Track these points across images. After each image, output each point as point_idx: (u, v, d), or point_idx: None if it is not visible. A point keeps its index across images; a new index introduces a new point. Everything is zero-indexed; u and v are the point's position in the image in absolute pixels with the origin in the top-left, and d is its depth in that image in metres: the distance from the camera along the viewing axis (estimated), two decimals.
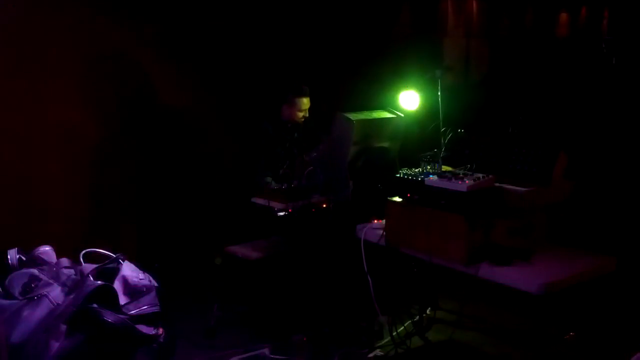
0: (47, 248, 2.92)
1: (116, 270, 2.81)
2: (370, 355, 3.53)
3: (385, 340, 3.61)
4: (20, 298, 2.63)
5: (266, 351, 3.53)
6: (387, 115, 3.72)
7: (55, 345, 2.50)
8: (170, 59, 4.63)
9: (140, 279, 2.82)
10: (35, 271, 2.73)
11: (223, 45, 4.85)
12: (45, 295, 2.63)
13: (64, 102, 4.16)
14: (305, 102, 4.24)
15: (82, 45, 4.20)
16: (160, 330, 2.76)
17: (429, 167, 3.07)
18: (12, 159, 3.97)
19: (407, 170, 3.11)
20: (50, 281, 2.70)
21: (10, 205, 3.95)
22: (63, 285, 2.70)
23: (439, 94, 3.43)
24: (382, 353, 3.53)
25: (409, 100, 3.62)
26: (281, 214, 3.73)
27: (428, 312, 3.90)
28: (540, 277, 2.60)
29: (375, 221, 3.32)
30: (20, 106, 3.99)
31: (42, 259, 2.86)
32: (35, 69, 4.03)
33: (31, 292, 2.65)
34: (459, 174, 2.89)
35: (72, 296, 2.62)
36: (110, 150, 4.39)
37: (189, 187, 4.77)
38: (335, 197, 3.66)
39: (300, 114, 4.26)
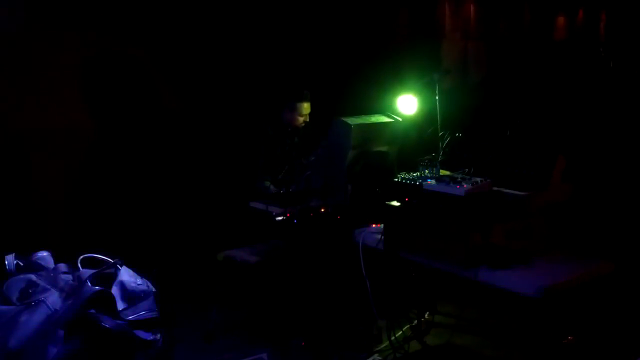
0: (44, 253, 2.91)
1: (114, 276, 2.81)
2: (369, 359, 3.53)
3: (384, 345, 3.60)
4: (18, 304, 2.62)
5: (264, 356, 3.52)
6: (385, 119, 3.72)
7: (53, 350, 2.49)
8: (171, 61, 4.64)
9: (138, 284, 2.81)
10: (32, 276, 2.72)
11: (223, 48, 4.86)
12: (43, 301, 2.62)
13: (64, 102, 4.17)
14: (306, 106, 4.24)
15: (82, 45, 4.21)
16: (159, 336, 2.75)
17: (427, 172, 3.07)
18: (10, 163, 3.97)
19: (405, 174, 3.11)
20: (48, 287, 2.69)
21: (7, 210, 3.94)
22: (61, 290, 2.69)
23: (437, 97, 3.43)
24: (380, 357, 3.53)
25: (407, 104, 3.62)
26: (279, 218, 3.72)
27: (426, 316, 3.90)
28: (539, 281, 2.59)
29: (374, 225, 3.32)
30: (20, 107, 3.99)
31: (40, 265, 2.85)
32: (35, 70, 4.03)
33: (29, 297, 2.64)
34: (457, 178, 2.89)
35: (69, 302, 2.62)
36: (108, 154, 4.39)
37: (187, 191, 4.77)
38: (333, 201, 3.66)
39: (301, 119, 4.26)
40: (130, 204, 4.53)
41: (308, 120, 4.29)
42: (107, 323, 2.59)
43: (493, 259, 2.75)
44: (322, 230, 3.66)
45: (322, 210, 3.71)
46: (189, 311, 4.02)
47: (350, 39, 5.40)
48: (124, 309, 2.70)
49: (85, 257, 2.92)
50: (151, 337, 2.73)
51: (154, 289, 2.87)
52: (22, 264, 2.85)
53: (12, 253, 2.86)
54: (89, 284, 2.70)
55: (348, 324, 3.69)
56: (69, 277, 2.80)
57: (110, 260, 2.90)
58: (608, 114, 5.05)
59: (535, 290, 2.55)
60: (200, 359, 3.57)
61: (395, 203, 3.08)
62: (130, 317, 2.69)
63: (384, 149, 3.71)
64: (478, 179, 2.84)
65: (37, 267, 2.84)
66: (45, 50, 4.07)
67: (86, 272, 2.80)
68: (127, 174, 4.49)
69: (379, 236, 3.15)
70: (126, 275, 2.83)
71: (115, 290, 2.74)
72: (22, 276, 2.73)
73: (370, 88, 4.98)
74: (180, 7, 4.62)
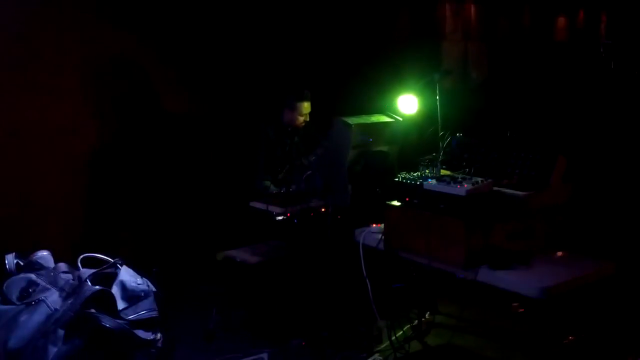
0: (44, 253, 2.91)
1: (114, 275, 2.80)
2: (369, 359, 3.53)
3: (384, 345, 3.60)
4: (18, 303, 2.62)
5: (265, 356, 3.52)
6: (386, 119, 3.72)
7: (53, 350, 2.49)
8: (170, 61, 4.64)
9: (138, 284, 2.81)
10: (33, 276, 2.72)
11: (223, 48, 4.86)
12: (43, 300, 2.62)
13: (64, 102, 4.16)
14: (307, 106, 4.24)
15: (82, 46, 4.21)
16: (159, 335, 2.75)
17: (427, 171, 3.07)
18: (11, 163, 3.96)
19: (405, 174, 3.10)
20: (48, 286, 2.69)
21: (7, 209, 3.94)
22: (61, 290, 2.69)
23: (438, 97, 3.43)
24: (381, 357, 3.53)
25: (408, 104, 3.62)
26: (280, 218, 3.72)
27: (427, 316, 3.90)
28: (540, 281, 2.59)
29: (374, 225, 3.32)
30: (20, 107, 3.99)
31: (40, 264, 2.85)
32: (35, 70, 4.03)
33: (29, 297, 2.64)
34: (458, 178, 2.89)
35: (70, 301, 2.61)
36: (108, 154, 4.39)
37: (187, 191, 4.76)
38: (334, 201, 3.65)
39: (301, 118, 4.26)
40: (130, 203, 4.53)
41: (308, 119, 4.29)
42: (108, 322, 2.58)
43: (493, 259, 2.75)
44: (322, 230, 3.65)
45: (323, 210, 3.71)
46: (189, 311, 4.02)
47: (351, 39, 5.40)
48: (124, 309, 2.70)
49: (86, 256, 2.92)
50: (151, 337, 2.72)
51: (154, 289, 2.86)
52: (22, 264, 2.85)
53: (12, 252, 2.86)
54: (89, 283, 2.70)
55: (348, 324, 3.69)
56: (69, 276, 2.79)
57: (110, 259, 2.90)
58: (608, 114, 5.05)
59: (536, 290, 2.55)
60: (200, 359, 3.56)
61: (395, 203, 3.08)
62: (131, 317, 2.69)
63: (384, 148, 3.71)
64: (479, 179, 2.84)
65: (37, 267, 2.84)
66: (45, 50, 4.07)
67: (86, 272, 2.80)
68: (127, 173, 4.49)
69: (380, 236, 3.15)
70: (126, 274, 2.83)
71: (115, 290, 2.74)
72: (22, 275, 2.73)
73: (371, 88, 4.97)
74: (180, 7, 4.62)
